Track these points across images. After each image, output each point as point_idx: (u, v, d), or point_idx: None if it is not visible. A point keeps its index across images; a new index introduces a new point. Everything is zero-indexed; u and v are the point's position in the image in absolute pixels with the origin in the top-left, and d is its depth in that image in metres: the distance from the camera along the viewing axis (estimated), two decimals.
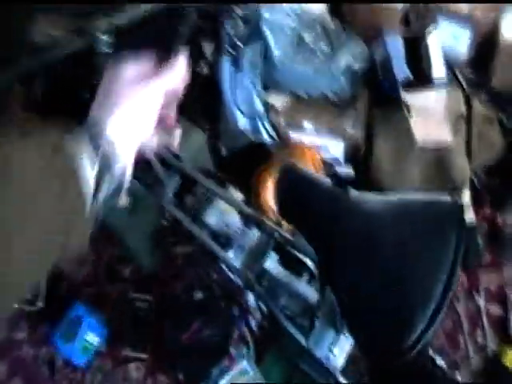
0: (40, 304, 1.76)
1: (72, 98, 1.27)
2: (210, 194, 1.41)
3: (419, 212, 0.92)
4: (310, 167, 1.71)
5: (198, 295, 1.58)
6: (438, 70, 1.56)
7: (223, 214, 1.41)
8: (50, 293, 1.81)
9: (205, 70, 1.99)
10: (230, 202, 1.39)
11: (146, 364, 1.73)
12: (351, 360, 1.45)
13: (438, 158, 1.61)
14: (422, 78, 1.56)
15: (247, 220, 1.38)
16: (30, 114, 1.24)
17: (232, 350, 1.54)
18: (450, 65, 1.72)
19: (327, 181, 1.01)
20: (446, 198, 0.94)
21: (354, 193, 0.92)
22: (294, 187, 0.98)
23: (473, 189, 1.75)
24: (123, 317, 1.77)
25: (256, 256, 1.32)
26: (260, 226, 1.35)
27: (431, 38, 1.56)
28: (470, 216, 1.73)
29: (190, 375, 1.55)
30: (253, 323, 1.54)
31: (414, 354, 0.82)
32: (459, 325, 1.67)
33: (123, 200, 1.40)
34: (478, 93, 1.78)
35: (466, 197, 1.73)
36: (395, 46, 1.58)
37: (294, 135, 1.77)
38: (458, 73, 1.74)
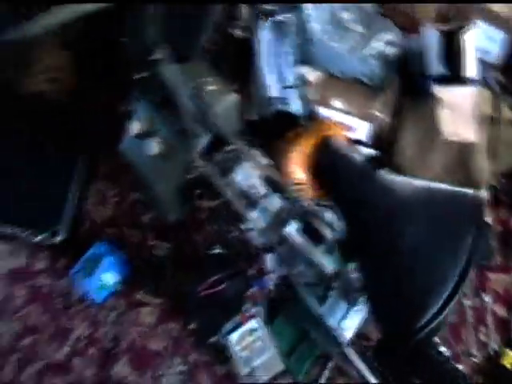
0: (60, 238, 1.83)
1: None
2: (238, 155, 1.47)
3: (443, 201, 1.00)
4: None
5: (217, 250, 1.66)
6: (471, 68, 1.61)
7: (250, 175, 1.48)
8: (73, 229, 1.89)
9: (239, 33, 2.03)
10: (258, 164, 1.45)
11: (159, 310, 1.82)
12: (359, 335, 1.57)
13: (461, 154, 1.64)
14: (454, 73, 1.61)
15: (272, 185, 1.45)
16: None
17: (245, 308, 1.63)
18: (483, 66, 1.78)
19: (362, 158, 1.07)
20: (470, 192, 1.02)
21: (383, 172, 0.99)
22: (333, 160, 1.05)
23: (491, 190, 1.74)
24: (141, 261, 1.85)
25: (278, 220, 1.39)
26: (283, 192, 1.42)
27: (468, 35, 1.61)
28: (488, 216, 1.80)
29: (204, 327, 1.64)
30: (267, 285, 1.63)
31: (423, 335, 0.92)
32: (464, 319, 1.69)
33: (156, 147, 1.47)
34: (507, 97, 1.84)
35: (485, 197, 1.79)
36: (431, 38, 1.62)
37: (323, 111, 1.83)
38: (489, 75, 1.80)
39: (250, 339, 1.63)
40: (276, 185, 1.43)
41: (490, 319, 1.70)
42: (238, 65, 1.95)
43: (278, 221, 1.39)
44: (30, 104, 2.00)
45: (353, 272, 1.37)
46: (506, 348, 1.65)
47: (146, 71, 1.47)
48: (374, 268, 0.98)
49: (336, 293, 1.38)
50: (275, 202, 1.42)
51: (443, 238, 0.94)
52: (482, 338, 1.69)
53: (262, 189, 1.47)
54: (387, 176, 1.00)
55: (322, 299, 1.38)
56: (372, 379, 1.36)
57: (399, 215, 0.96)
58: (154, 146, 1.47)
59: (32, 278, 1.92)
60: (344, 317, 1.36)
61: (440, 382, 1.30)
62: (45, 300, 1.89)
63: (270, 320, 1.68)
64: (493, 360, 1.64)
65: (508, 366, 1.61)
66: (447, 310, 0.91)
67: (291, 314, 1.68)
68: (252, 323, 1.64)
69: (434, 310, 0.91)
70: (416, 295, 0.94)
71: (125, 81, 1.58)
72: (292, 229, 1.42)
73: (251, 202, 1.44)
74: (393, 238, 0.96)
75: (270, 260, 1.50)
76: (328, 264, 1.39)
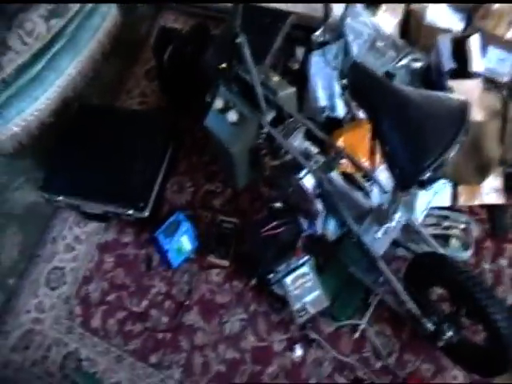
0: (147, 213, 2.28)
1: None
2: (295, 125, 1.94)
3: (436, 97, 1.45)
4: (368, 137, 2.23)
5: (278, 205, 2.09)
6: (477, 64, 2.08)
7: (303, 140, 1.95)
8: (155, 209, 2.35)
9: (295, 66, 2.60)
10: (311, 127, 1.92)
11: (225, 272, 2.22)
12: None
13: (474, 134, 2.07)
14: (464, 68, 2.09)
15: (321, 145, 1.91)
16: None
17: (299, 249, 2.01)
18: (494, 79, 2.26)
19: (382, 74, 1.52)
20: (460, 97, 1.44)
21: (395, 82, 1.46)
22: (361, 77, 1.53)
23: (506, 179, 2.16)
24: (212, 234, 2.27)
25: (326, 167, 1.84)
26: (330, 148, 1.88)
27: (473, 39, 2.10)
28: (501, 200, 2.15)
29: (264, 264, 2.02)
30: (317, 229, 2.01)
31: (432, 172, 1.31)
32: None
33: (235, 116, 1.95)
34: None
35: (499, 184, 2.17)
36: (445, 43, 2.11)
37: (362, 113, 2.32)
38: (500, 84, 2.26)
39: (302, 281, 2.00)
40: (325, 143, 1.90)
41: (506, 279, 2.03)
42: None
43: (326, 167, 1.84)
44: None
45: (384, 205, 1.78)
46: None
47: (227, 63, 1.97)
48: (392, 129, 1.40)
49: (370, 220, 1.78)
50: (322, 158, 1.88)
51: (437, 113, 1.37)
52: (501, 294, 1.99)
53: (313, 149, 1.93)
54: (397, 84, 1.46)
55: (359, 223, 1.78)
56: (398, 285, 1.70)
57: (407, 101, 1.41)
58: (233, 115, 1.95)
59: (120, 249, 2.37)
60: (377, 232, 1.75)
61: (462, 288, 1.61)
62: (129, 265, 2.33)
63: (318, 272, 2.05)
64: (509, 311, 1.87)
65: None
66: (447, 153, 1.31)
67: (335, 269, 2.07)
68: (304, 268, 2.02)
69: (437, 153, 1.31)
70: (423, 144, 1.35)
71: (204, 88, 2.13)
72: (336, 175, 1.86)
73: (306, 156, 1.90)
74: (402, 116, 1.40)
75: (319, 204, 1.91)
76: (365, 201, 1.83)
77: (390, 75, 1.50)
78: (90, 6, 2.65)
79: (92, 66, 2.79)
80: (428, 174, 1.33)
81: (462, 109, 1.39)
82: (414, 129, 1.38)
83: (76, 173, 2.41)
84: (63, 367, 2.19)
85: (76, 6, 2.56)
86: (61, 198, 2.38)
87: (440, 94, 1.48)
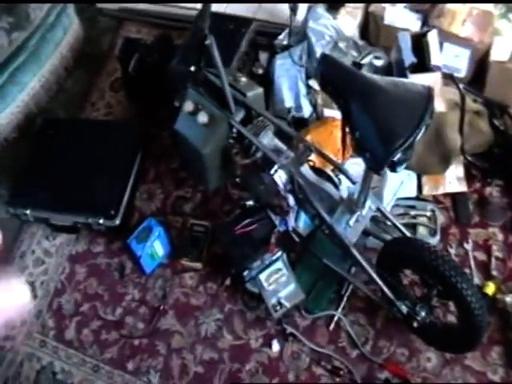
0: (118, 221, 2.39)
1: None
2: (265, 123, 2.10)
3: (402, 84, 1.62)
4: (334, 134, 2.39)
5: (250, 203, 2.23)
6: (436, 58, 2.28)
7: (273, 138, 2.10)
8: (126, 219, 2.46)
9: (260, 71, 2.78)
10: (279, 125, 2.07)
11: (199, 274, 2.34)
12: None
13: (437, 128, 2.28)
14: (423, 63, 2.29)
15: (290, 142, 2.07)
16: None
17: (272, 245, 2.14)
18: (451, 74, 2.47)
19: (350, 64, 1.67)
20: (422, 84, 1.61)
21: (363, 71, 1.62)
22: (331, 67, 1.69)
23: (467, 167, 2.38)
24: (183, 239, 2.40)
25: (296, 161, 1.99)
26: (299, 143, 2.03)
27: (431, 34, 2.30)
28: (463, 187, 2.37)
29: (239, 261, 2.13)
30: (289, 225, 2.15)
31: (401, 153, 1.47)
32: None
33: (205, 117, 2.09)
34: (471, 95, 2.50)
35: (461, 172, 2.38)
36: (405, 39, 2.32)
37: (327, 112, 2.49)
38: (456, 80, 2.47)
39: (276, 276, 2.13)
40: (293, 138, 2.06)
41: (472, 262, 2.20)
42: None
43: (296, 162, 1.99)
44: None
45: (354, 194, 1.94)
46: (486, 281, 2.14)
47: (196, 65, 2.10)
48: (362, 114, 1.56)
49: (341, 209, 1.94)
50: (291, 153, 2.03)
51: (404, 98, 1.54)
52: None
53: (282, 145, 2.09)
54: (365, 72, 1.63)
55: (331, 214, 1.93)
56: (371, 271, 1.85)
57: (375, 87, 1.57)
58: (203, 116, 2.08)
59: (91, 259, 2.46)
60: (350, 220, 1.90)
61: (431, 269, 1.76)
62: (102, 274, 2.42)
63: (291, 267, 2.18)
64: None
65: (490, 293, 2.09)
66: (415, 135, 1.47)
67: (307, 263, 2.21)
68: (278, 264, 2.15)
69: (406, 135, 1.47)
70: (392, 127, 1.50)
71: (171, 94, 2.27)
72: (306, 169, 2.02)
73: (277, 153, 2.04)
74: (370, 104, 1.56)
75: (291, 199, 2.05)
76: (336, 192, 1.98)
77: (358, 65, 1.67)
78: (51, 19, 2.79)
79: (55, 79, 2.93)
80: (398, 155, 1.49)
81: (427, 92, 1.55)
82: (383, 112, 1.53)
83: (43, 186, 2.50)
84: (37, 382, 2.26)
85: (38, 20, 2.71)
86: (28, 211, 2.47)
87: (405, 80, 1.65)
